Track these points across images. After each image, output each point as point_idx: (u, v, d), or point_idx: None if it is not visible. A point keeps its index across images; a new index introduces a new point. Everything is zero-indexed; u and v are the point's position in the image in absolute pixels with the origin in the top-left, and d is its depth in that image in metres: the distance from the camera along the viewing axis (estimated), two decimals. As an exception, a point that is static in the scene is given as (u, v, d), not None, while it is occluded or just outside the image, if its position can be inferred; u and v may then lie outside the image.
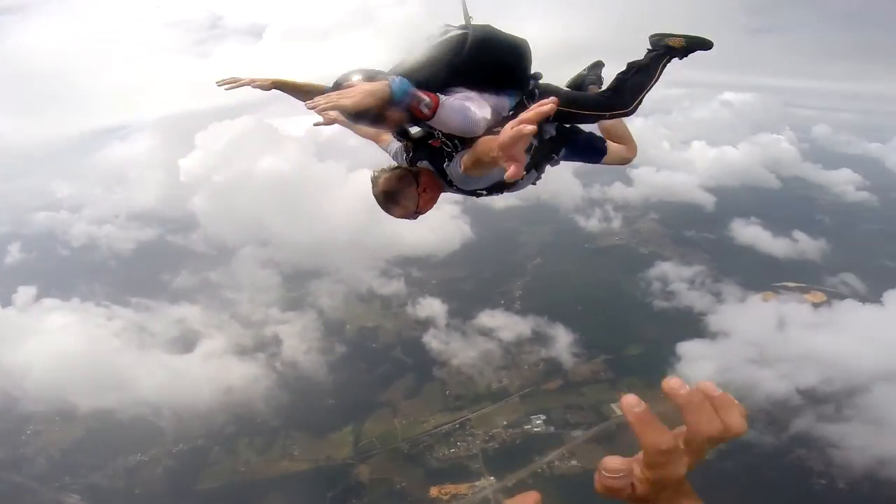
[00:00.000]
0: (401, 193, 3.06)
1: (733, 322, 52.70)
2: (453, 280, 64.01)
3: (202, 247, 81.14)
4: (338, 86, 2.56)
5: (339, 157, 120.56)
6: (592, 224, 79.38)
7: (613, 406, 42.73)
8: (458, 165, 2.83)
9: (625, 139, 4.03)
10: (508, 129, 1.83)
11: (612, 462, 1.03)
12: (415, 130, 3.22)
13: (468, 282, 63.75)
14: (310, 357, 51.94)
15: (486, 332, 53.07)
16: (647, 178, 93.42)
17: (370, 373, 49.98)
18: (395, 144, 3.45)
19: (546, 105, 1.78)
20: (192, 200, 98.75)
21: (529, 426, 41.86)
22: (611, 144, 3.91)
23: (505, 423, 42.30)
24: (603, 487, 1.04)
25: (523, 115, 1.80)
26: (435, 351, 51.67)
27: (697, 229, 76.32)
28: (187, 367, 51.10)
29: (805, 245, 70.76)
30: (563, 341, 51.13)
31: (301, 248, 73.45)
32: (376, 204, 3.13)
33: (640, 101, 3.35)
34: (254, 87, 3.33)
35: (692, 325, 53.41)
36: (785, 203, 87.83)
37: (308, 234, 77.09)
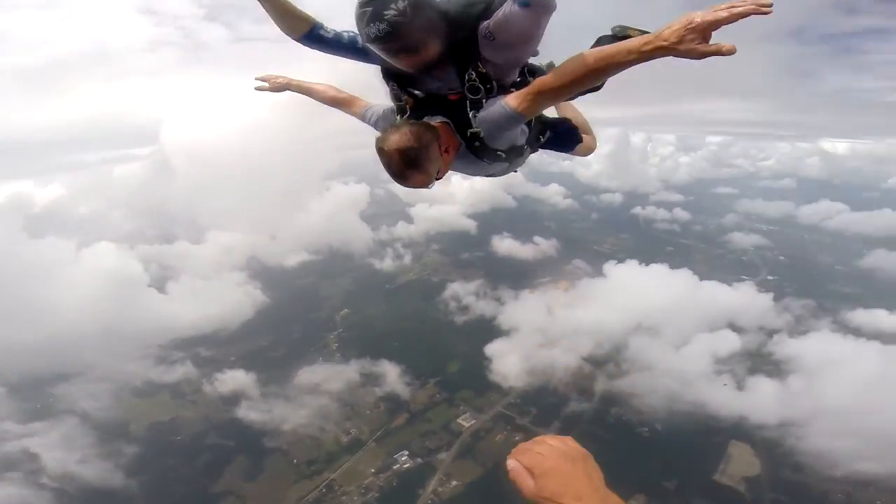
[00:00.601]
0: (423, 153, 2.43)
1: (517, 318, 62.73)
2: (257, 350, 58.60)
3: None
4: None
5: (61, 230, 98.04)
6: (387, 264, 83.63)
7: (460, 421, 46.32)
8: (506, 107, 2.49)
9: (587, 130, 3.85)
10: (706, 13, 1.74)
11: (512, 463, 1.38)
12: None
13: (276, 347, 59.44)
14: (90, 465, 42.07)
15: (312, 389, 50.59)
16: (423, 213, 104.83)
17: (188, 466, 42.25)
18: (377, 108, 3.04)
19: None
20: None
21: (398, 465, 41.34)
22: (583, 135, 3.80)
23: (373, 470, 40.84)
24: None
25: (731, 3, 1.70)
26: (257, 423, 46.76)
27: (469, 251, 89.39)
28: None
29: (544, 246, 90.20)
30: (392, 375, 52.19)
31: (28, 350, 55.82)
32: (385, 171, 2.48)
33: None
34: (269, 86, 3.50)
35: (489, 329, 61.43)
36: (523, 216, 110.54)
37: (34, 333, 58.85)
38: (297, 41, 2.80)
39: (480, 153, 2.73)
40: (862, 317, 61.72)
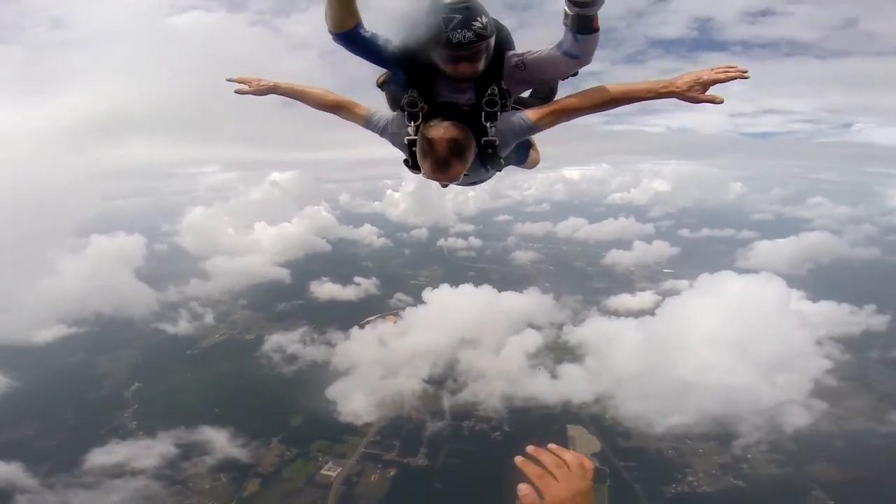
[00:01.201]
0: (467, 146, 2.84)
1: (353, 356, 61.86)
2: (16, 440, 45.34)
3: None
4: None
5: None
6: (184, 328, 72.37)
7: (324, 472, 43.06)
8: (527, 120, 2.97)
9: (533, 144, 4.13)
10: (711, 71, 2.54)
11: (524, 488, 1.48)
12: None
13: (46, 436, 46.53)
14: None
15: (117, 471, 41.60)
16: (222, 268, 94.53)
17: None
18: (384, 114, 3.24)
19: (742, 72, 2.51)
20: None
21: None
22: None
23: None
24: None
25: (729, 66, 2.53)
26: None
27: (286, 300, 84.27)
28: None
29: (365, 285, 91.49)
30: (220, 441, 45.51)
31: None
32: (426, 159, 2.84)
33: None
34: (252, 89, 3.39)
35: (326, 373, 58.84)
36: (340, 259, 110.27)
37: None
38: (336, 36, 2.82)
39: (488, 160, 3.06)
40: (615, 302, 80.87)
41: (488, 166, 3.15)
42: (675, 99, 2.61)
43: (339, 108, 3.30)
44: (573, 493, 1.53)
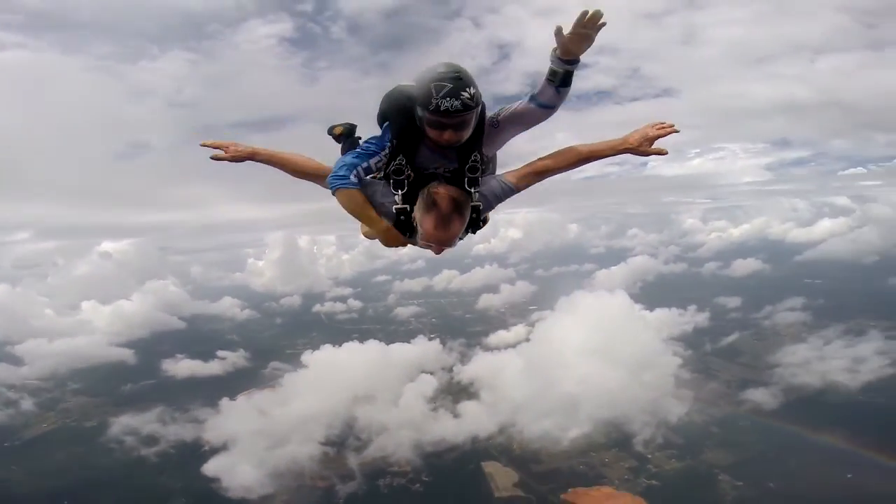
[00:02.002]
0: (465, 207, 2.96)
1: (229, 430, 54.56)
2: None
3: None
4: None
5: None
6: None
7: None
8: (508, 183, 3.18)
9: None
10: (653, 128, 3.01)
11: None
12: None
13: None
14: None
15: None
16: (41, 351, 79.38)
17: None
18: (367, 181, 3.20)
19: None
20: None
21: None
22: None
23: None
24: None
25: (664, 124, 3.03)
26: None
27: (133, 381, 72.77)
28: None
29: (232, 358, 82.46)
30: None
31: None
32: (429, 216, 2.87)
33: None
34: (228, 155, 3.25)
35: (198, 451, 51.71)
36: (197, 336, 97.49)
37: None
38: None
39: (472, 224, 3.13)
40: (494, 338, 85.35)
41: (471, 230, 3.25)
42: (629, 154, 3.08)
43: (320, 176, 3.21)
44: None
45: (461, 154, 3.04)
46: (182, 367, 77.56)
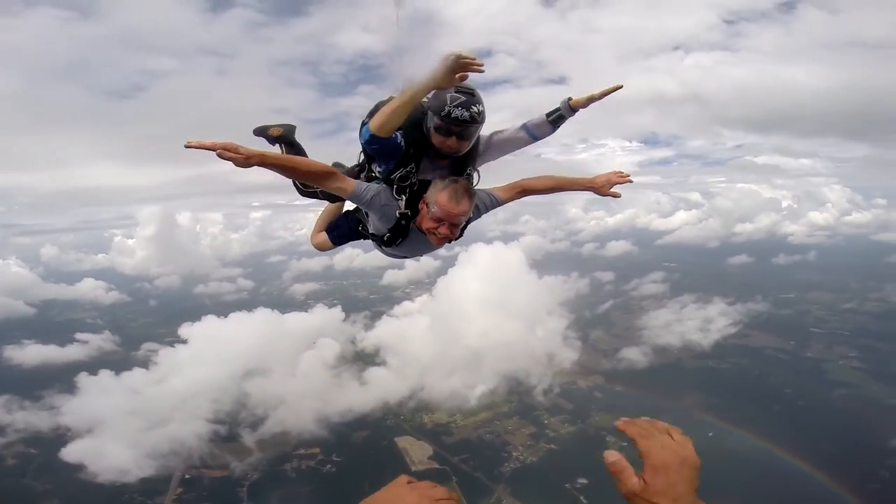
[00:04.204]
0: (473, 196, 3.24)
1: (90, 415, 48.22)
2: None
3: None
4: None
5: None
6: None
7: None
8: (497, 197, 3.67)
9: None
10: (616, 175, 3.63)
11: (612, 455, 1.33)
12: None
13: None
14: None
15: None
16: None
17: None
18: (372, 186, 3.34)
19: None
20: None
21: None
22: None
23: None
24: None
25: (623, 174, 3.66)
26: None
27: None
28: None
29: (96, 342, 73.24)
30: None
31: None
32: (449, 196, 3.08)
33: None
34: (225, 157, 2.61)
35: (58, 441, 44.98)
36: (50, 321, 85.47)
37: None
38: (379, 138, 3.15)
39: (460, 231, 3.40)
40: (398, 310, 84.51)
41: (458, 237, 3.45)
42: (591, 192, 3.69)
43: (326, 177, 3.14)
44: (681, 459, 1.29)
45: (455, 168, 3.38)
46: (30, 353, 66.48)
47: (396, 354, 64.05)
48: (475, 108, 3.03)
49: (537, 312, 69.10)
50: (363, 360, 65.35)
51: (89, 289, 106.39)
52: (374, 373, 60.37)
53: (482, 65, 2.70)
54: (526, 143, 3.61)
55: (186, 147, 2.57)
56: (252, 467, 43.59)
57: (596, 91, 3.42)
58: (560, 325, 70.63)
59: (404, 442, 48.20)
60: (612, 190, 3.62)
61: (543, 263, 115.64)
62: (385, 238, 3.48)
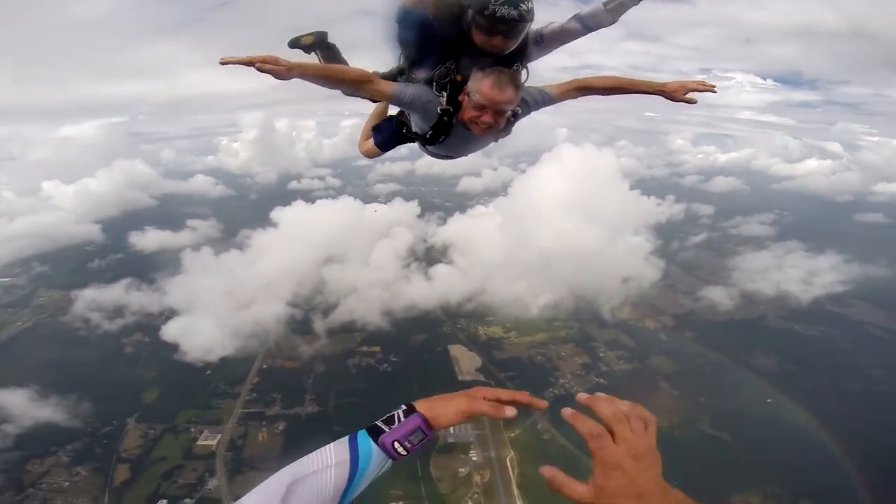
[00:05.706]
0: (519, 84, 3.00)
1: (190, 295, 54.10)
2: None
3: None
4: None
5: None
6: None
7: (202, 443, 36.78)
8: (549, 94, 3.27)
9: None
10: (694, 82, 3.15)
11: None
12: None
13: None
14: None
15: None
16: (1, 234, 76.05)
17: None
18: (411, 86, 3.16)
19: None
20: None
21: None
22: None
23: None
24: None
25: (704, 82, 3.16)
26: None
27: (100, 256, 71.22)
28: None
29: (203, 229, 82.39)
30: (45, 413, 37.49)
31: None
32: (494, 81, 2.87)
33: None
34: (265, 70, 2.48)
35: (161, 320, 50.79)
36: (168, 212, 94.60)
37: None
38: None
39: (506, 125, 3.16)
40: (471, 213, 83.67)
41: (503, 135, 3.31)
42: (662, 97, 3.19)
43: (364, 83, 3.04)
44: (635, 455, 1.12)
45: (501, 63, 3.06)
46: (149, 238, 75.96)
47: (464, 254, 63.48)
48: (524, 6, 2.71)
49: (622, 227, 63.07)
50: (432, 256, 65.74)
51: (200, 184, 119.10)
52: (439, 269, 60.67)
53: None
54: (579, 35, 3.16)
55: (221, 64, 2.51)
56: (319, 360, 46.66)
57: None
58: (644, 248, 64.20)
59: (456, 350, 48.83)
60: (686, 96, 3.16)
61: (637, 185, 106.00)
62: (428, 136, 3.30)
